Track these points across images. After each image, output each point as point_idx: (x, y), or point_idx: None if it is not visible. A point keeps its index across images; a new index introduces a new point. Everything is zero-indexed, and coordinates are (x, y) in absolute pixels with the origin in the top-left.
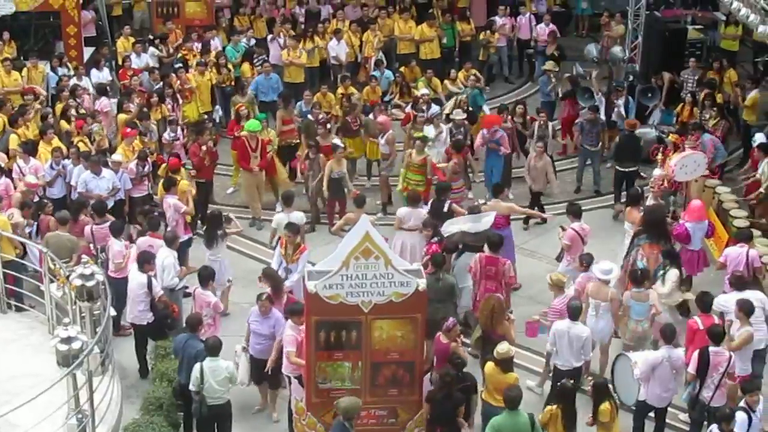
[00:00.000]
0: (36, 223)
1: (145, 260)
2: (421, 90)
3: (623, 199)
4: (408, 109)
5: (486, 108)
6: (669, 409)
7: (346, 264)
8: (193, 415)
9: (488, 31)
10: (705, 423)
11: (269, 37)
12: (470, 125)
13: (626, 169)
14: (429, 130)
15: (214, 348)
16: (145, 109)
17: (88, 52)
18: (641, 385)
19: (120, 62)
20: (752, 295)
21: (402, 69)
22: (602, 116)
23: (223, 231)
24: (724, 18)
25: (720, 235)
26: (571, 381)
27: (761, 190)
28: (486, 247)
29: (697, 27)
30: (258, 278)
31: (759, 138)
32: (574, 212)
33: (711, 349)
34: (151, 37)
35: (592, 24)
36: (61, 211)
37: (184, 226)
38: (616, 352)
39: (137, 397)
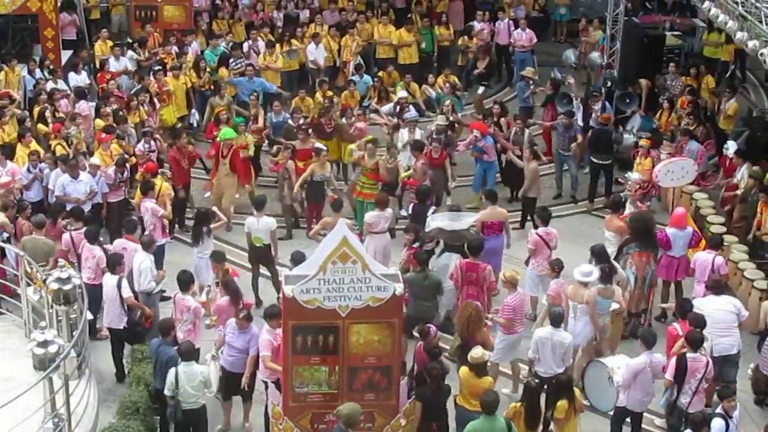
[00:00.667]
0: (13, 225)
1: (116, 262)
2: (399, 93)
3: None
4: (385, 110)
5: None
6: (645, 414)
7: (323, 268)
8: (168, 419)
9: (466, 37)
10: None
11: (248, 42)
12: (452, 132)
13: (602, 162)
14: (404, 134)
15: (187, 353)
16: (122, 113)
17: (66, 55)
18: (620, 392)
19: (98, 65)
20: (727, 300)
21: (380, 74)
22: (580, 122)
23: (208, 228)
24: (703, 24)
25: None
26: (536, 380)
27: (737, 192)
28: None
29: (675, 33)
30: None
31: (731, 146)
32: (542, 217)
33: (689, 355)
34: (129, 40)
35: (571, 30)
36: (38, 215)
37: (161, 230)
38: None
39: (114, 401)
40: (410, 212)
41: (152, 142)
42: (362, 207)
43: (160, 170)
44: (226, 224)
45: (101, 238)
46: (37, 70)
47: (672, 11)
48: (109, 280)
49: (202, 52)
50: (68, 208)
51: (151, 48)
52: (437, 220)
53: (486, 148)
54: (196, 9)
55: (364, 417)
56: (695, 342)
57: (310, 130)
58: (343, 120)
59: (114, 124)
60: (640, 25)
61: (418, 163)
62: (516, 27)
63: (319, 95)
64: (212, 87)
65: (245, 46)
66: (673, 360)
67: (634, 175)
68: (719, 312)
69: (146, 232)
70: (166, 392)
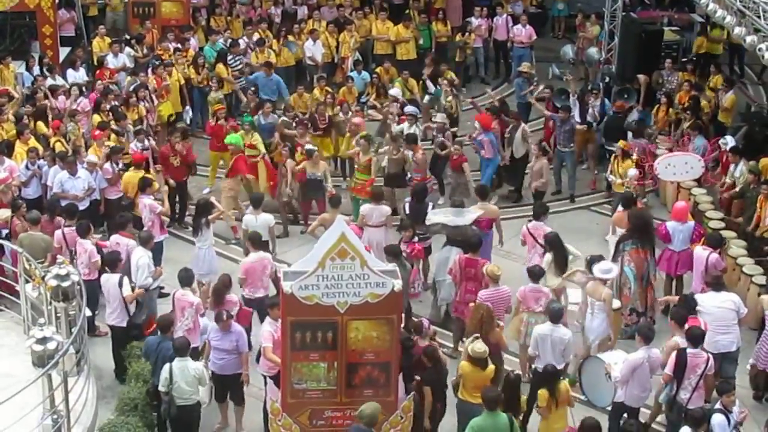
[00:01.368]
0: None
1: (114, 261)
2: (391, 91)
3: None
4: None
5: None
6: (642, 409)
7: (321, 265)
8: (161, 415)
9: (466, 33)
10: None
11: (243, 38)
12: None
13: (613, 149)
14: (404, 129)
15: (182, 348)
16: (121, 110)
17: (64, 52)
18: (617, 387)
19: (95, 62)
20: (727, 297)
21: (378, 70)
22: (577, 118)
23: (207, 219)
24: (701, 20)
25: None
26: (515, 373)
27: (735, 190)
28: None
29: (673, 28)
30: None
31: (729, 140)
32: (535, 212)
33: (689, 350)
34: (127, 37)
35: (569, 25)
36: (32, 212)
37: (160, 227)
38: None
39: (112, 398)
40: (407, 211)
41: (146, 141)
42: (357, 204)
43: (155, 167)
44: (223, 213)
45: (99, 235)
46: (35, 67)
47: (670, 6)
48: (109, 279)
49: (201, 48)
50: (63, 205)
51: (149, 44)
52: (440, 216)
53: (484, 143)
54: (194, 5)
55: None
56: (696, 338)
57: (309, 125)
58: (340, 115)
59: (108, 120)
60: (638, 20)
61: (417, 155)
62: (515, 23)
63: (317, 91)
64: (210, 83)
65: (242, 42)
66: (673, 355)
67: (631, 171)
68: (720, 309)
69: (144, 229)
70: (161, 388)
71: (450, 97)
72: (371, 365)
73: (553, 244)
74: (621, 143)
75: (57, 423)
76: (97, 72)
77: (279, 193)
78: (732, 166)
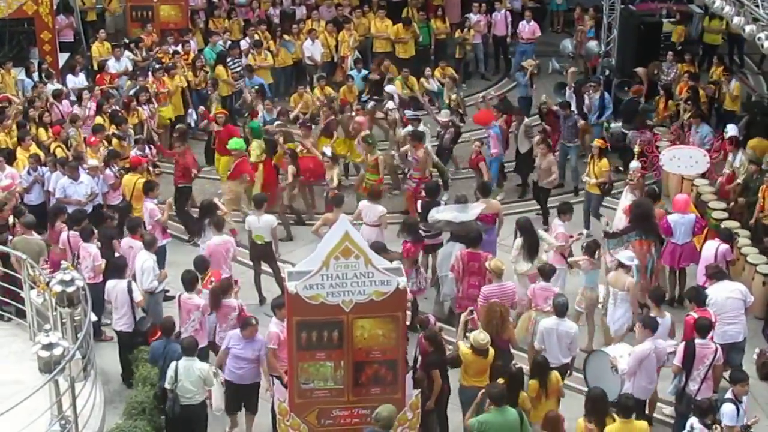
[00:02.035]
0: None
1: (120, 267)
2: (387, 88)
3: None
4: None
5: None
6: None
7: (326, 264)
8: (166, 414)
9: (465, 29)
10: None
11: (245, 39)
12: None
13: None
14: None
15: (189, 348)
16: (121, 114)
17: (63, 57)
18: (624, 380)
19: (95, 67)
20: (732, 286)
21: (371, 68)
22: (575, 111)
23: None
24: (699, 11)
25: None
26: (516, 365)
27: (738, 181)
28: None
29: (672, 20)
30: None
31: (731, 129)
32: (560, 209)
33: (697, 341)
34: (126, 41)
35: (568, 19)
36: (27, 216)
37: (162, 231)
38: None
39: (120, 402)
40: (419, 209)
41: (146, 149)
42: None
43: (157, 171)
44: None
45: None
46: (35, 74)
47: None
48: (116, 285)
49: (200, 50)
50: (69, 211)
51: (148, 48)
52: (444, 213)
53: (490, 137)
54: (193, 8)
55: (371, 411)
56: (704, 328)
57: (312, 126)
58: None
59: (103, 124)
60: (637, 12)
61: (419, 153)
62: (514, 18)
63: (317, 91)
64: (208, 85)
65: (242, 44)
66: (682, 345)
67: (634, 164)
68: (729, 300)
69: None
70: (166, 385)
71: (453, 95)
72: (378, 363)
73: (524, 229)
74: (597, 142)
75: (65, 428)
76: (97, 77)
77: (277, 197)
78: (731, 156)
